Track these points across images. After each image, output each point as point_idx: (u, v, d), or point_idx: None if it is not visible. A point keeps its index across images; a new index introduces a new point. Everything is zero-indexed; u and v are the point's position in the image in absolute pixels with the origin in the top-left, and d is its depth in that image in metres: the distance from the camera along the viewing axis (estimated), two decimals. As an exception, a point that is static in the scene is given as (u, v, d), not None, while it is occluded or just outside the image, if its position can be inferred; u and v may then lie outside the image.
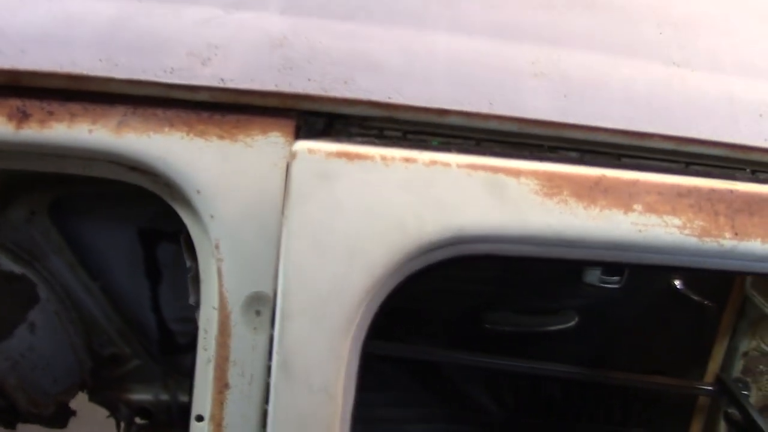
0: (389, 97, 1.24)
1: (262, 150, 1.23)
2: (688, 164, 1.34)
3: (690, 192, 1.21)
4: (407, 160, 1.15)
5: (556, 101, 1.28)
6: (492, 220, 1.16)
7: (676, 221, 1.20)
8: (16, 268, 2.39)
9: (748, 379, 2.93)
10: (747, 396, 2.89)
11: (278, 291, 1.15)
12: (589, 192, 1.18)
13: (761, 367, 2.93)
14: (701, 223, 1.20)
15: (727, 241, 1.21)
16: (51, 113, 1.21)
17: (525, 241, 1.19)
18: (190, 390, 2.83)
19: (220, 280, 1.22)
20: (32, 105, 1.21)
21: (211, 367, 1.26)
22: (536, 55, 1.33)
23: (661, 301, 2.78)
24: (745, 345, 2.89)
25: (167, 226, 2.56)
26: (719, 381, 2.92)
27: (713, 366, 2.96)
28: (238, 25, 1.29)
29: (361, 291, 1.15)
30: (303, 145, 1.15)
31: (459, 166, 1.16)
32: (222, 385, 1.23)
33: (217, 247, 1.22)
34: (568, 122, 1.26)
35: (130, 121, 1.22)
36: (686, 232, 1.20)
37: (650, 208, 1.19)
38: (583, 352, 2.96)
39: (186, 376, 2.85)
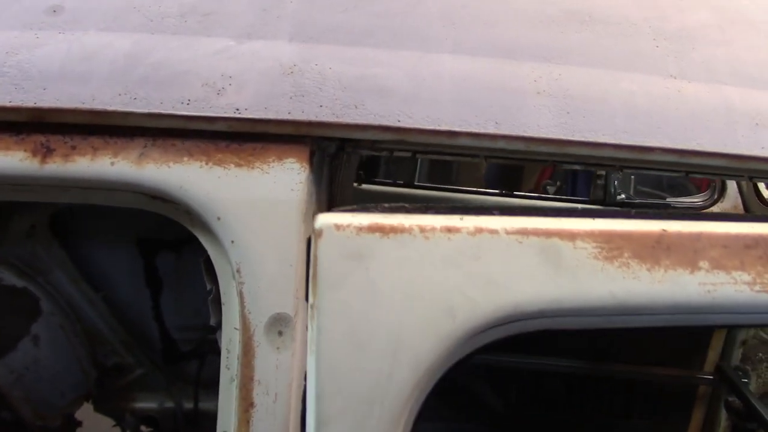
0: (399, 121, 1.28)
1: (279, 176, 1.27)
2: (687, 173, 1.41)
3: (757, 242, 1.15)
4: (449, 230, 1.08)
5: (559, 118, 1.32)
6: (549, 293, 1.07)
7: (746, 277, 1.13)
8: (19, 283, 2.42)
9: (748, 367, 2.97)
10: (747, 384, 2.92)
11: (310, 392, 1.08)
12: (652, 251, 1.11)
13: (760, 354, 2.97)
14: None
15: None
16: (74, 147, 1.25)
17: (586, 313, 1.11)
18: (195, 397, 2.90)
19: (242, 303, 1.26)
20: (55, 140, 1.26)
21: (234, 386, 1.30)
22: (538, 74, 1.38)
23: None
24: (744, 333, 2.93)
25: (167, 235, 2.61)
26: (719, 370, 2.96)
27: (713, 355, 3.00)
28: (250, 55, 1.33)
29: (407, 389, 1.06)
30: (328, 220, 1.08)
31: (508, 232, 1.08)
32: (247, 404, 1.27)
33: (238, 271, 1.26)
34: (573, 139, 1.30)
35: (150, 153, 1.26)
36: (757, 288, 1.13)
37: (717, 265, 1.12)
38: (584, 345, 3.01)
39: (190, 384, 2.89)
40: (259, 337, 1.27)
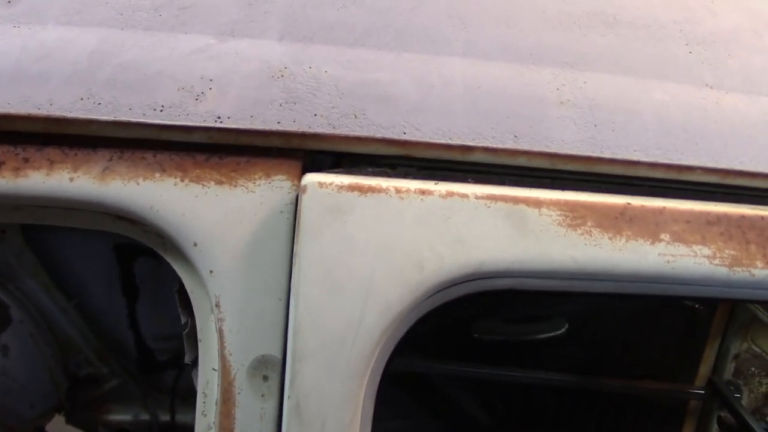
0: (405, 133, 1.09)
1: (266, 195, 1.08)
2: (725, 195, 1.23)
3: (720, 219, 1.11)
4: (423, 192, 1.05)
5: (585, 132, 1.14)
6: (513, 254, 1.06)
7: (706, 251, 1.10)
8: (-12, 290, 2.27)
9: (740, 382, 2.86)
10: (739, 399, 2.81)
11: (289, 331, 1.04)
12: (614, 222, 1.08)
13: (753, 369, 2.85)
14: (732, 252, 1.11)
15: (759, 271, 1.12)
16: (26, 160, 1.05)
17: (548, 275, 1.09)
18: (172, 409, 2.74)
19: (222, 342, 1.07)
20: (4, 151, 1.05)
21: (212, 436, 1.11)
22: (560, 81, 1.19)
23: (650, 305, 2.70)
24: (736, 347, 2.81)
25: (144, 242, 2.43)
26: (711, 384, 2.84)
27: (704, 369, 2.88)
28: (234, 55, 1.13)
29: (376, 333, 1.04)
30: (313, 179, 1.04)
31: (477, 197, 1.06)
32: (227, 460, 1.08)
33: (217, 305, 1.06)
34: (604, 156, 1.12)
35: (116, 167, 1.06)
36: (716, 262, 1.10)
37: (678, 238, 1.10)
38: (573, 358, 2.88)
39: (166, 395, 2.75)
40: (241, 382, 1.07)
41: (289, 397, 1.04)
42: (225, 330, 1.07)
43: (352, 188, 1.04)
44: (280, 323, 1.07)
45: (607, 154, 1.13)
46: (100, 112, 1.05)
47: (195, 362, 1.17)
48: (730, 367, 2.86)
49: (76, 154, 1.06)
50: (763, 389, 2.85)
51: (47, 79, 1.08)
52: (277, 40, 1.17)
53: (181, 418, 2.74)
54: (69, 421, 2.76)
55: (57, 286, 2.41)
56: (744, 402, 2.83)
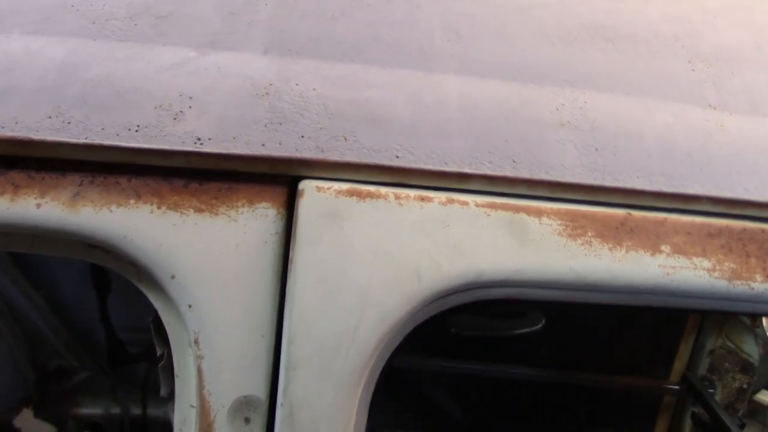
0: (397, 157, 1.01)
1: (250, 224, 0.99)
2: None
3: (721, 232, 1.10)
4: (422, 198, 1.02)
5: (586, 156, 1.07)
6: (512, 263, 1.03)
7: (706, 263, 1.08)
8: (-48, 282, 2.19)
9: (714, 377, 2.84)
10: (713, 394, 2.79)
11: (283, 337, 0.99)
12: (615, 233, 1.06)
13: (727, 364, 2.83)
14: (732, 265, 1.09)
15: (759, 284, 1.09)
16: (-11, 184, 0.96)
17: (547, 285, 1.06)
18: (143, 403, 2.67)
19: (201, 381, 0.98)
20: None
21: (191, 479, 1.03)
22: (560, 100, 1.12)
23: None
24: (711, 343, 2.79)
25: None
26: (685, 379, 2.82)
27: (679, 365, 2.85)
28: (215, 70, 1.04)
29: (371, 341, 1.00)
30: (310, 183, 1.00)
31: (477, 205, 1.03)
32: (207, 508, 1.00)
33: (196, 341, 0.97)
34: (606, 185, 1.05)
35: (87, 193, 0.97)
36: (716, 274, 1.08)
37: (679, 250, 1.07)
38: (548, 353, 2.83)
39: (137, 388, 2.68)
40: (221, 424, 1.00)
41: (281, 405, 0.98)
42: (204, 368, 0.98)
43: (350, 193, 1.00)
44: (264, 362, 0.99)
45: (609, 182, 1.06)
46: (69, 133, 0.96)
47: (170, 396, 1.09)
48: (704, 363, 2.85)
49: (43, 178, 0.97)
50: (736, 385, 2.84)
51: (11, 96, 0.98)
52: (261, 54, 1.08)
53: (153, 411, 2.66)
54: (37, 415, 2.69)
55: (25, 277, 2.33)
56: (717, 397, 2.84)
